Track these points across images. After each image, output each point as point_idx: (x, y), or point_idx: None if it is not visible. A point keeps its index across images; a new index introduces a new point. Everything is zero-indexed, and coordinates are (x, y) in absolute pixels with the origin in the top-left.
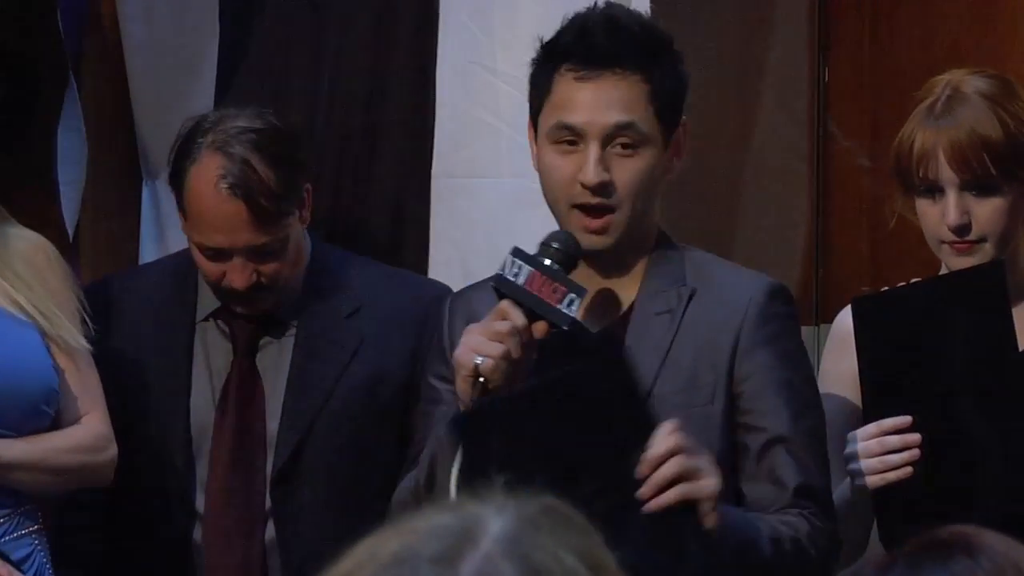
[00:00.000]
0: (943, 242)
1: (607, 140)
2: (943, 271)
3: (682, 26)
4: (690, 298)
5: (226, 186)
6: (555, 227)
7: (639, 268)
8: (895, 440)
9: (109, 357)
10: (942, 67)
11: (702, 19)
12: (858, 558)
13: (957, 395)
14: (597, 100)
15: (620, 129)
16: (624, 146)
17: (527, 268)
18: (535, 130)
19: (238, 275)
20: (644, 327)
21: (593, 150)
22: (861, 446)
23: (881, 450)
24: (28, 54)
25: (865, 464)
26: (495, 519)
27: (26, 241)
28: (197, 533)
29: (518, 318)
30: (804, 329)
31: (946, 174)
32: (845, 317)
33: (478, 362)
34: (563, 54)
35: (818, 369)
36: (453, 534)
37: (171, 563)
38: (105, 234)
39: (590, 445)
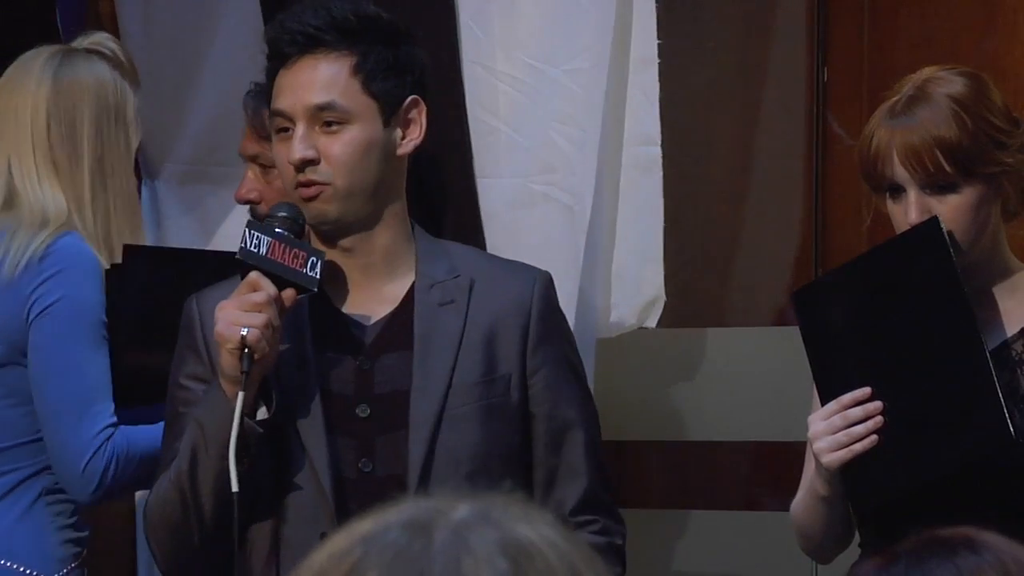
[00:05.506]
0: None
1: (312, 120)
2: None
3: (682, 26)
4: (471, 289)
5: None
6: (552, 224)
7: (406, 259)
8: (858, 411)
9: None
10: None
11: (702, 19)
12: (846, 543)
13: (909, 355)
14: (297, 82)
15: (320, 109)
16: (327, 123)
17: (266, 238)
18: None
19: None
20: (432, 318)
21: (298, 130)
22: (824, 424)
23: (844, 424)
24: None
25: (831, 440)
26: (465, 503)
27: None
28: None
29: (270, 287)
30: None
31: (901, 174)
32: None
33: (244, 333)
34: (277, 52)
35: None
36: (426, 508)
37: None
38: None
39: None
